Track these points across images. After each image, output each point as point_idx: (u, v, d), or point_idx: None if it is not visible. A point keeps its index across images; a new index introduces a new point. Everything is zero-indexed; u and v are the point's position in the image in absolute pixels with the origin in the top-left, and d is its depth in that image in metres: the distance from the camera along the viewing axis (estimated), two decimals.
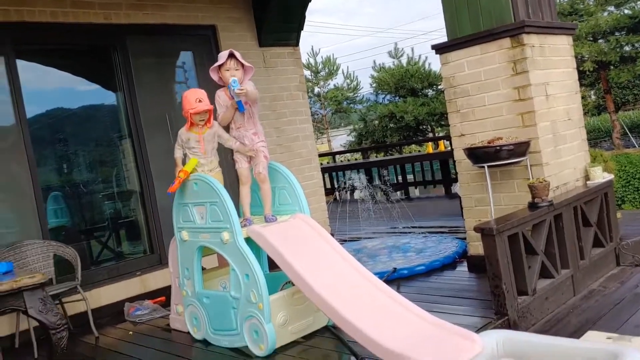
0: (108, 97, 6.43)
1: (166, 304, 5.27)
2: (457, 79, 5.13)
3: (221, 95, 4.32)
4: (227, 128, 4.43)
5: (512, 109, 4.81)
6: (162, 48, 6.63)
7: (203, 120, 4.26)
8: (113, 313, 5.47)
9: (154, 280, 5.89)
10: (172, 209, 4.52)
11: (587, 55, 16.97)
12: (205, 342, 4.31)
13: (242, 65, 4.23)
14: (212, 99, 4.35)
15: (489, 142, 4.64)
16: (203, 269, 4.57)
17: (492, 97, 4.92)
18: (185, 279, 4.45)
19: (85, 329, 4.95)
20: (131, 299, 5.62)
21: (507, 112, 4.84)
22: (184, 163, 4.35)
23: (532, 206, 4.31)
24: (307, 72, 27.37)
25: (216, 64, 4.23)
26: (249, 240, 4.04)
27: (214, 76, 4.29)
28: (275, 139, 7.06)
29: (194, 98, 4.18)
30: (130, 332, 4.93)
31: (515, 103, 4.78)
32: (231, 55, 4.19)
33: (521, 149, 4.52)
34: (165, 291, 5.33)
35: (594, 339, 3.62)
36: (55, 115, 6.17)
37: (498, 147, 4.48)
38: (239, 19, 7.03)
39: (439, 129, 22.52)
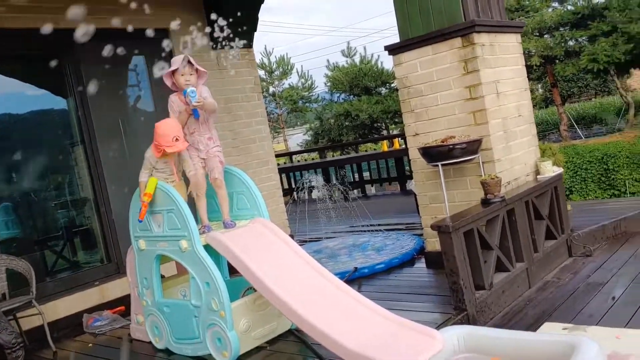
0: (59, 103, 6.26)
1: (126, 314, 5.18)
2: (411, 79, 5.21)
3: (175, 100, 4.26)
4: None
5: (464, 108, 4.91)
6: (113, 53, 6.48)
7: (175, 152, 4.16)
8: (71, 325, 5.34)
9: (112, 289, 5.78)
10: (129, 217, 4.45)
11: (534, 50, 17.42)
12: (167, 352, 4.27)
13: (197, 70, 4.19)
14: (166, 104, 4.31)
15: (442, 141, 4.73)
16: (162, 277, 4.52)
17: (444, 97, 5.02)
18: (145, 288, 4.38)
19: (43, 344, 4.82)
20: (90, 310, 5.50)
21: (460, 110, 4.94)
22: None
23: (485, 202, 4.42)
24: (261, 72, 27.25)
25: (170, 69, 4.17)
26: (207, 247, 4.01)
27: (167, 81, 4.23)
28: (230, 141, 7.01)
29: (171, 136, 4.04)
30: (90, 344, 4.82)
31: (467, 102, 4.89)
32: (186, 61, 4.14)
33: (473, 146, 4.63)
34: (125, 300, 5.23)
35: (551, 331, 3.75)
36: (4, 122, 5.98)
37: (451, 146, 4.57)
38: (192, 22, 6.94)
39: (393, 126, 22.79)
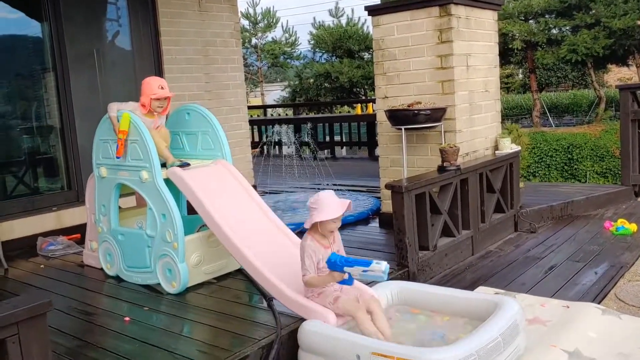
0: (32, 28, 6.16)
1: (81, 241, 5.26)
2: (387, 42, 5.30)
3: (315, 247, 3.23)
4: None
5: (434, 76, 5.03)
6: None
7: (161, 107, 4.27)
8: (25, 247, 5.40)
9: (70, 216, 5.84)
10: (93, 143, 4.50)
11: (517, 34, 17.55)
12: (118, 279, 4.38)
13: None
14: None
15: (408, 106, 4.86)
16: (119, 208, 4.60)
17: (417, 63, 5.13)
18: (102, 215, 4.47)
19: None
20: (45, 234, 5.56)
21: (430, 78, 5.07)
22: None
23: (441, 169, 4.59)
24: (245, 22, 26.84)
25: (326, 217, 3.14)
26: (169, 184, 4.09)
27: (307, 224, 3.25)
28: (204, 84, 7.03)
29: (156, 84, 4.20)
30: (42, 266, 4.90)
31: (438, 71, 5.01)
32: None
33: (437, 114, 4.77)
34: (81, 228, 5.31)
35: (483, 292, 3.97)
36: None
37: (416, 111, 4.71)
38: None
39: (372, 92, 22.84)
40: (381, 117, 5.36)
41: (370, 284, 3.49)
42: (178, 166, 4.10)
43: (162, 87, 4.21)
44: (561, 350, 3.08)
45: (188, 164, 4.19)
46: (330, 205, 3.15)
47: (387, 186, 4.22)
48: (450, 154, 4.60)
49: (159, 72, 6.69)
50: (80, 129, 6.07)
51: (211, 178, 4.20)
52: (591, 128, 16.37)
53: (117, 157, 4.22)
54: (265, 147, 11.50)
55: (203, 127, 4.48)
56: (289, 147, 11.48)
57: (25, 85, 6.12)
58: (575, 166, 15.48)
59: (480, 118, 5.35)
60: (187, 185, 4.00)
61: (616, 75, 28.48)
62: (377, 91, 5.48)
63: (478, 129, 5.33)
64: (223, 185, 4.22)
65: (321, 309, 3.22)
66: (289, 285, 3.46)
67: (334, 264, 3.04)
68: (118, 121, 4.16)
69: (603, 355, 3.06)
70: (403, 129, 4.92)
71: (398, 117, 4.90)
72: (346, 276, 3.05)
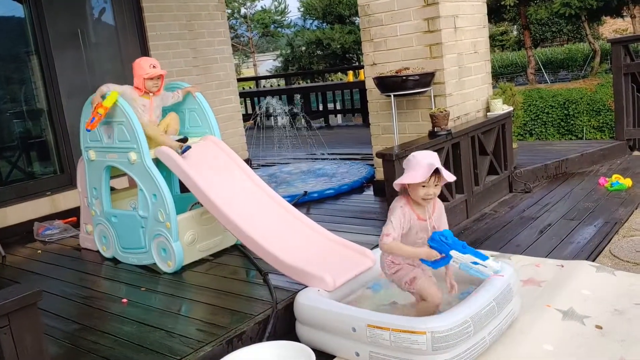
0: (13, 9, 6.06)
1: (77, 225, 5.25)
2: (372, 7, 5.21)
3: (407, 212, 2.91)
4: None
5: (422, 40, 4.96)
6: None
7: (157, 86, 4.24)
8: (21, 233, 5.41)
9: (64, 200, 5.82)
10: (80, 127, 4.46)
11: None
12: (114, 260, 4.39)
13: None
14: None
15: (396, 72, 4.80)
16: (112, 189, 4.58)
17: (403, 28, 5.04)
18: (94, 198, 4.45)
19: None
20: (41, 219, 5.55)
21: (417, 43, 4.99)
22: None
23: (432, 134, 4.55)
24: None
25: (409, 180, 2.84)
26: (160, 164, 4.07)
27: (397, 187, 2.98)
28: (191, 60, 6.94)
29: (147, 64, 4.17)
30: (39, 251, 4.91)
31: (425, 34, 4.93)
32: (435, 171, 2.81)
33: (426, 79, 4.71)
34: (76, 212, 5.29)
35: None
36: None
37: (404, 77, 4.65)
38: None
39: None
40: (370, 85, 5.30)
41: (373, 248, 3.59)
42: (182, 152, 4.02)
43: (153, 66, 4.19)
44: (556, 309, 3.10)
45: (186, 139, 4.17)
46: (420, 166, 2.77)
47: (378, 154, 4.20)
48: (441, 119, 4.56)
49: (145, 49, 6.60)
50: (68, 111, 6.01)
51: (201, 155, 4.18)
52: (587, 82, 16.24)
53: (87, 130, 4.16)
54: (258, 119, 11.42)
55: (189, 104, 4.44)
56: (282, 119, 11.40)
57: (12, 69, 6.04)
58: (572, 122, 15.40)
59: (470, 80, 5.29)
60: (177, 163, 3.97)
61: (611, 27, 28.09)
62: (365, 58, 5.41)
63: (468, 91, 5.28)
64: (213, 160, 4.20)
65: (318, 273, 3.23)
66: (285, 254, 3.49)
67: (443, 243, 2.70)
68: (104, 97, 4.08)
69: (597, 312, 3.08)
70: (392, 96, 4.87)
71: (386, 83, 4.85)
72: (437, 257, 2.71)
